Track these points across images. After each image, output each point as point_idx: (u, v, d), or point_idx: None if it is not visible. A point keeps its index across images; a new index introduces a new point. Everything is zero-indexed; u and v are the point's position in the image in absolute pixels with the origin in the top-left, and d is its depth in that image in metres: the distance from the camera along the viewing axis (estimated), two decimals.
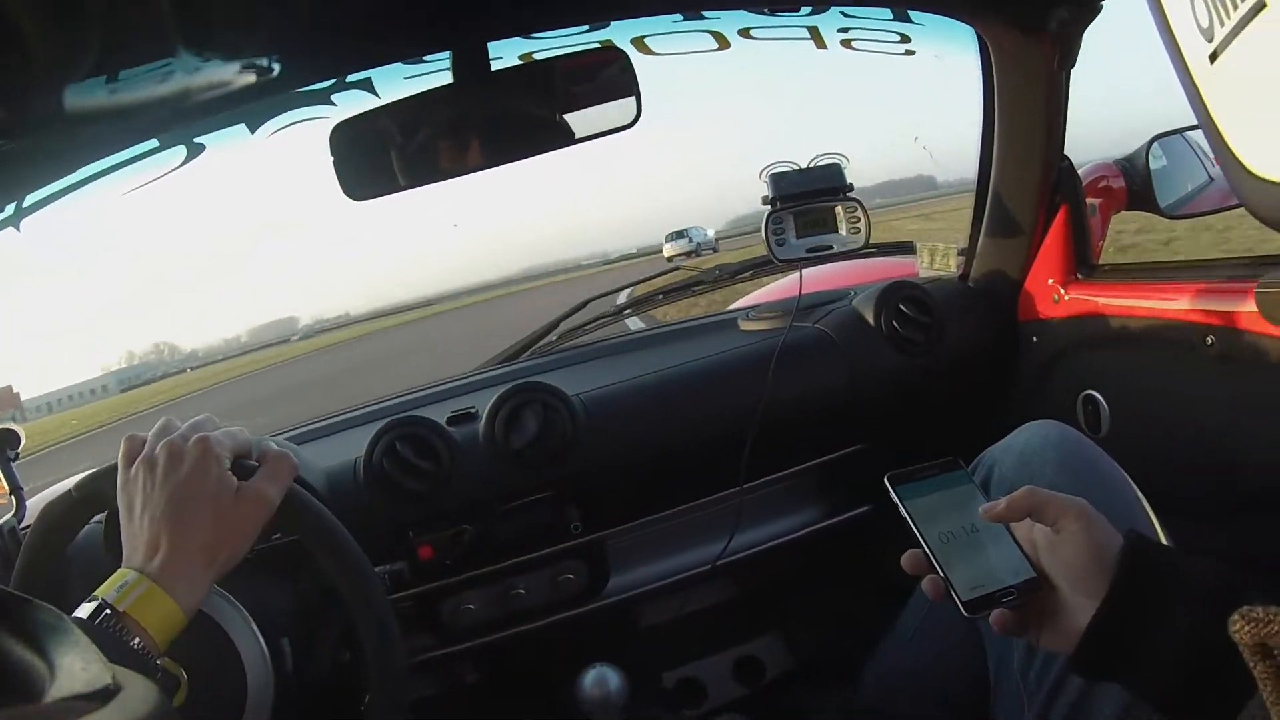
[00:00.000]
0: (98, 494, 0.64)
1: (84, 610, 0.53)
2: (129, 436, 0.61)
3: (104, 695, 0.28)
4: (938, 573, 0.55)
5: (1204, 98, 0.37)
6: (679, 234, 21.53)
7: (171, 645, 0.55)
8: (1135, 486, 0.70)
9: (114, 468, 0.62)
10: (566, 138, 0.86)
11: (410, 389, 1.16)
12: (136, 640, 0.52)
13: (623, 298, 1.24)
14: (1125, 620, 0.51)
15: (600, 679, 0.85)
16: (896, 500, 0.58)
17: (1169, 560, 0.52)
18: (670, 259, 17.28)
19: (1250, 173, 0.35)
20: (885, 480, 0.59)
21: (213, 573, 0.58)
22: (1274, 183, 0.34)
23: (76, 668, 0.28)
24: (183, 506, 0.56)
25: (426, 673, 1.06)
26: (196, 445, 0.59)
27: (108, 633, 0.51)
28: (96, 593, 0.54)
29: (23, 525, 0.91)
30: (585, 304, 1.23)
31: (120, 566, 0.56)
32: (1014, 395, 1.12)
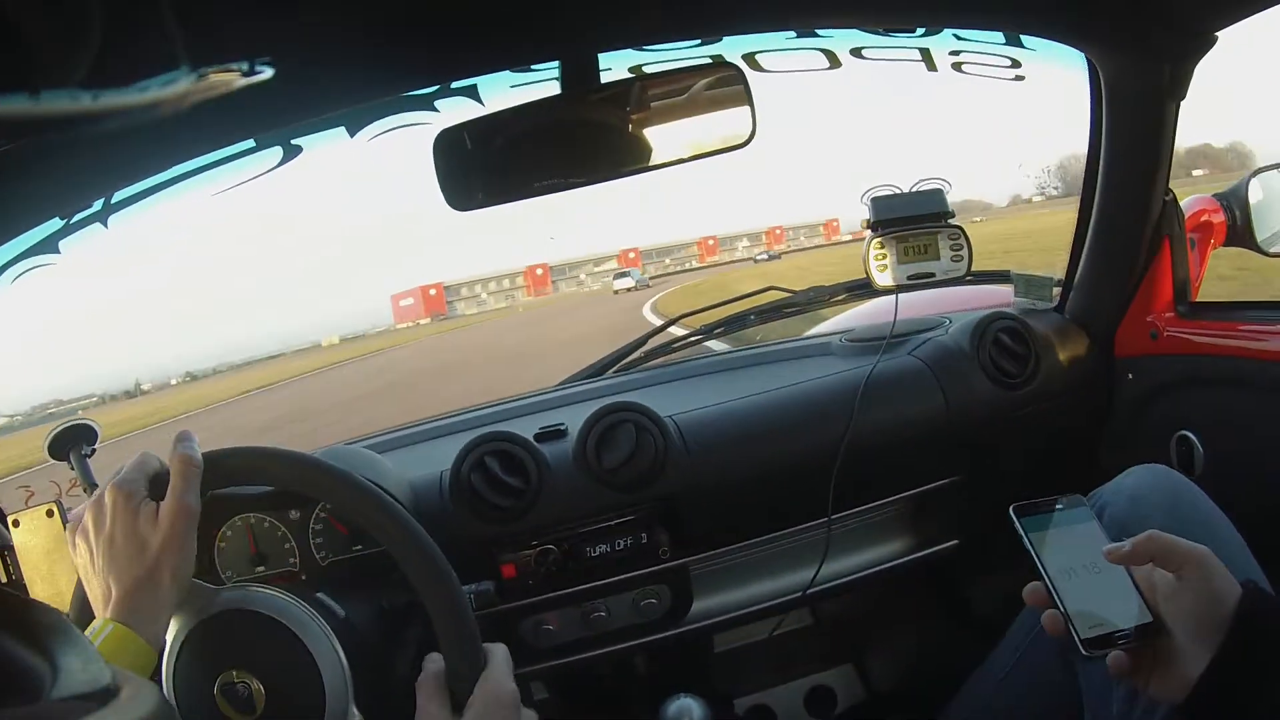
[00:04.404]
0: None
1: None
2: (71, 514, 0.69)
3: (104, 695, 0.28)
4: (1058, 607, 0.55)
5: None
6: (624, 274, 33.30)
7: (241, 658, 0.58)
8: (1237, 533, 0.69)
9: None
10: (678, 154, 0.83)
11: (491, 401, 1.13)
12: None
13: (713, 317, 1.20)
14: (1240, 671, 0.50)
15: (685, 710, 0.83)
16: (1020, 532, 0.57)
17: None
18: (616, 293, 26.22)
19: None
20: (1010, 511, 0.58)
21: (169, 593, 0.60)
22: None
23: (76, 668, 0.28)
24: (116, 552, 0.61)
25: None
26: (110, 493, 0.62)
27: None
28: None
29: None
30: (674, 320, 1.20)
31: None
32: (1107, 432, 1.09)
